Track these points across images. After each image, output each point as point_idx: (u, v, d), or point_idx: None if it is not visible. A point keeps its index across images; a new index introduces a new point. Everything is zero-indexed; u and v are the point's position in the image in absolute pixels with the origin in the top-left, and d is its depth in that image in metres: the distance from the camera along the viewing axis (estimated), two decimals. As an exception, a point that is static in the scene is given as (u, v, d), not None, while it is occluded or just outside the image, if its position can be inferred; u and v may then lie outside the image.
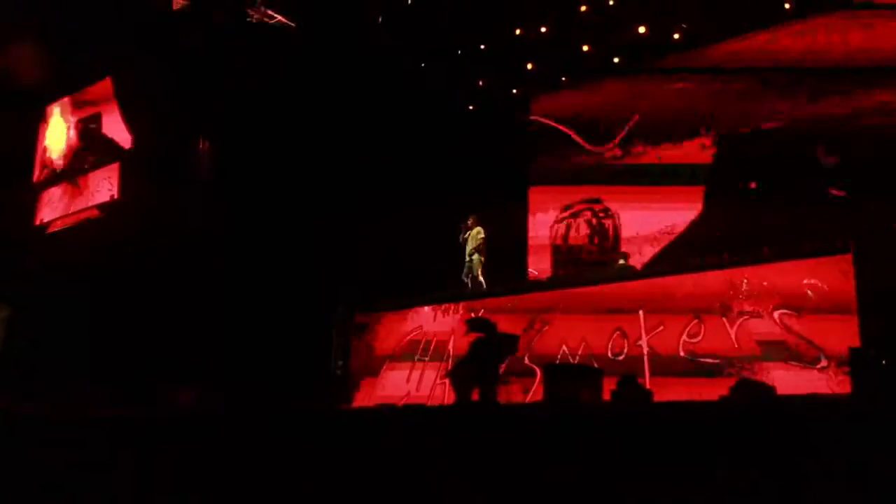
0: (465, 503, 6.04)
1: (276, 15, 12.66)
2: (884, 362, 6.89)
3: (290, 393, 10.37)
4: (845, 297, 8.37)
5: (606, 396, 7.61)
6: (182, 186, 12.87)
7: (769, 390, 7.15)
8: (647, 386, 9.01)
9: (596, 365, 9.52)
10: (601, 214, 12.35)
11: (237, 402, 9.45)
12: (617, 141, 12.47)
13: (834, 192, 10.11)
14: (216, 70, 12.77)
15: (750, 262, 9.35)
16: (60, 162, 14.68)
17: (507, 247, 13.01)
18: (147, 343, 11.77)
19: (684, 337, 9.38)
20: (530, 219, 13.16)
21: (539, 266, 12.68)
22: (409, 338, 11.88)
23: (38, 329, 12.60)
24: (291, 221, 12.47)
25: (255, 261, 12.37)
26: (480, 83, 13.51)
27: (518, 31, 12.62)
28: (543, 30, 12.44)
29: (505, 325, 9.41)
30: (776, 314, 8.86)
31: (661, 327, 9.61)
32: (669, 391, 8.89)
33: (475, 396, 8.33)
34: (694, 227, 11.34)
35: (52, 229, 14.54)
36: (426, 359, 11.51)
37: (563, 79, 13.13)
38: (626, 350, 9.79)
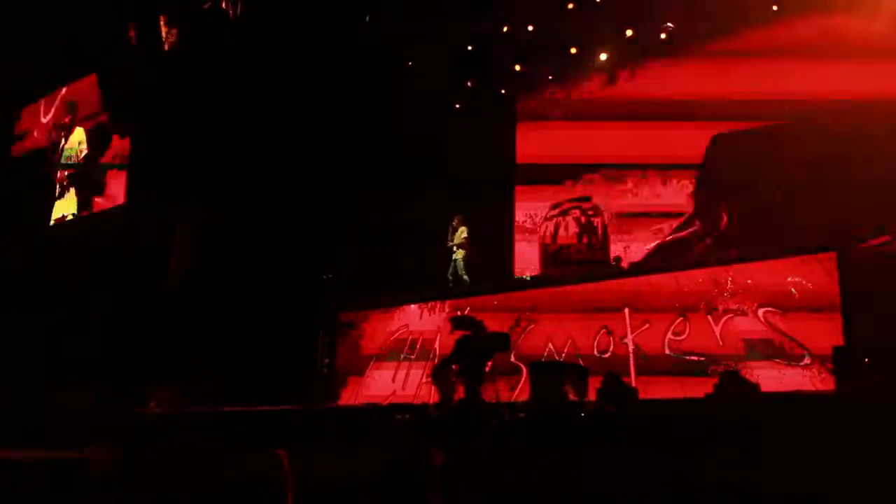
0: (451, 501, 6.03)
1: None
2: (867, 360, 6.95)
3: (276, 393, 10.33)
4: (829, 295, 8.43)
5: (592, 394, 7.63)
6: (166, 187, 12.83)
7: (753, 388, 7.19)
8: (633, 384, 9.06)
9: (582, 363, 9.55)
10: (590, 213, 12.36)
11: (223, 402, 9.41)
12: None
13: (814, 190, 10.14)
14: (198, 66, 12.71)
15: (734, 260, 9.40)
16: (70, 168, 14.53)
17: (494, 245, 13.01)
18: (131, 343, 11.69)
19: (669, 335, 9.42)
20: (517, 217, 13.14)
21: (527, 264, 12.67)
22: (395, 336, 11.87)
23: (25, 328, 12.52)
24: (276, 221, 12.41)
25: (241, 260, 12.31)
26: (469, 84, 13.49)
27: (504, 29, 12.60)
28: (530, 28, 12.42)
29: (491, 323, 9.42)
30: (761, 312, 8.92)
31: (647, 325, 9.64)
32: (655, 389, 8.93)
33: (459, 395, 8.33)
34: (695, 224, 11.36)
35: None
36: (412, 357, 11.50)
37: (550, 77, 13.13)
38: (611, 348, 9.82)
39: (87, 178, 14.02)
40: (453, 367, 8.29)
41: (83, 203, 13.99)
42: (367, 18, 12.54)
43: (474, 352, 8.24)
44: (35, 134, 15.29)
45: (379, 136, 12.99)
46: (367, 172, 12.89)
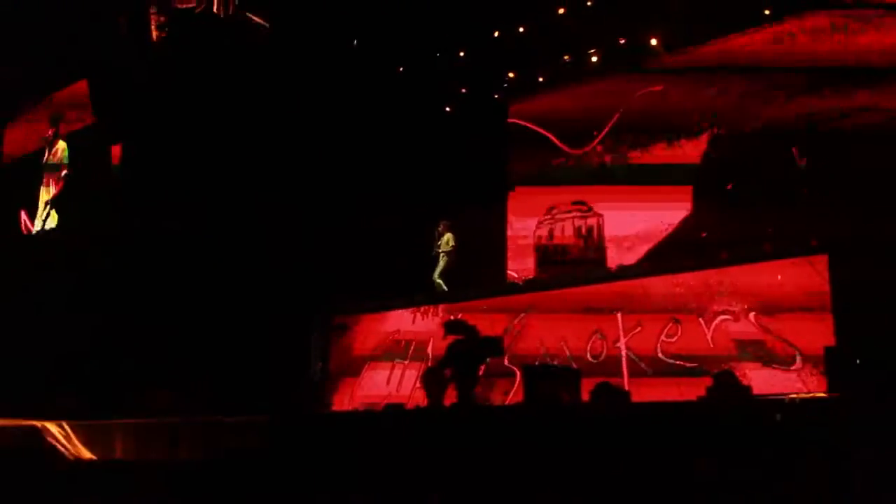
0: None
1: (252, 17, 12.59)
2: (858, 361, 6.97)
3: (268, 397, 10.30)
4: (821, 297, 8.45)
5: (585, 397, 7.65)
6: (158, 190, 12.77)
7: (745, 390, 7.22)
8: (626, 386, 9.07)
9: (575, 366, 9.56)
10: (585, 216, 12.40)
11: (215, 408, 9.38)
12: (598, 139, 12.48)
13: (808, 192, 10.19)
14: (188, 66, 12.68)
15: (725, 262, 9.42)
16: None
17: (487, 249, 13.03)
18: (121, 349, 11.65)
19: (662, 337, 9.44)
20: (512, 220, 13.17)
21: (522, 267, 12.70)
22: (388, 340, 11.87)
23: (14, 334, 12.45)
24: (269, 223, 12.39)
25: (232, 264, 12.28)
26: (463, 90, 13.52)
27: (496, 34, 12.61)
28: (521, 30, 12.43)
29: (484, 327, 9.43)
30: (752, 314, 8.94)
31: (639, 328, 9.66)
32: (648, 391, 8.95)
33: (450, 399, 8.33)
34: (680, 228, 11.38)
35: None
36: (406, 360, 11.50)
37: (541, 79, 13.15)
38: (604, 351, 9.83)
39: (67, 196, 13.97)
40: (446, 371, 8.30)
41: (66, 214, 13.94)
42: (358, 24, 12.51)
43: (467, 356, 8.26)
44: (20, 143, 15.23)
45: (371, 139, 13.00)
46: (359, 175, 12.89)
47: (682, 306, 9.43)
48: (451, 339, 8.69)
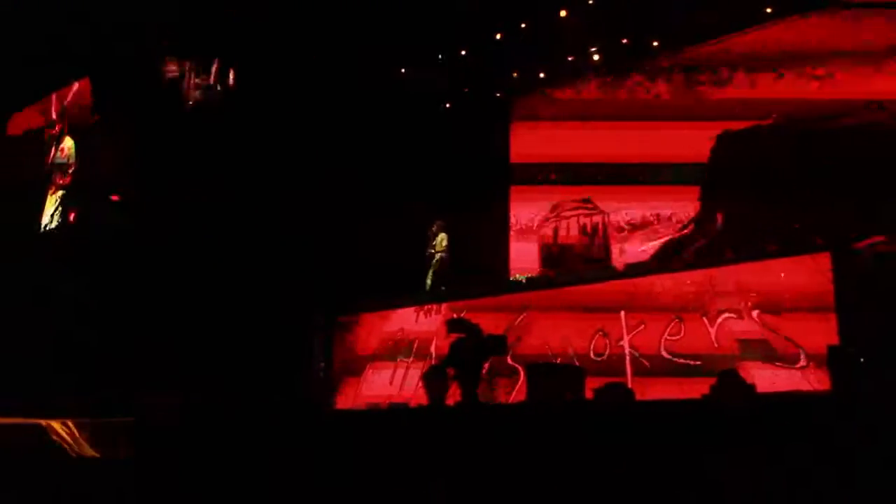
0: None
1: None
2: (862, 360, 6.96)
3: (271, 397, 10.31)
4: (824, 295, 8.43)
5: (589, 396, 7.64)
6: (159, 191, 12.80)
7: (749, 388, 7.20)
8: (630, 385, 9.06)
9: (578, 364, 9.55)
10: (590, 215, 12.39)
11: (218, 408, 9.39)
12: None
13: (811, 190, 10.18)
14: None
15: (729, 261, 9.42)
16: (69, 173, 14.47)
17: (489, 247, 13.03)
18: (123, 349, 11.67)
19: (665, 336, 9.43)
20: (515, 217, 13.18)
21: (526, 264, 12.70)
22: (391, 339, 11.87)
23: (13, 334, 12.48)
24: (270, 223, 12.41)
25: (234, 263, 12.29)
26: (466, 90, 13.53)
27: (498, 36, 12.61)
28: (523, 25, 12.42)
29: (487, 325, 9.42)
30: (755, 313, 8.93)
31: (643, 326, 9.65)
32: (651, 390, 8.95)
33: (452, 398, 8.33)
34: (690, 225, 11.39)
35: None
36: (409, 359, 11.50)
37: (542, 75, 13.14)
38: (608, 350, 9.83)
39: (73, 193, 14.02)
40: (449, 370, 8.30)
41: (70, 211, 13.99)
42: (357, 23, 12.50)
43: (470, 355, 8.25)
44: (26, 140, 15.27)
45: (372, 136, 13.01)
46: (362, 174, 12.89)
47: (686, 305, 9.42)
48: (453, 337, 8.68)
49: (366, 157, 12.91)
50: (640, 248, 11.69)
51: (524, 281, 11.96)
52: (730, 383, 7.17)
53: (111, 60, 13.22)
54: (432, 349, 11.22)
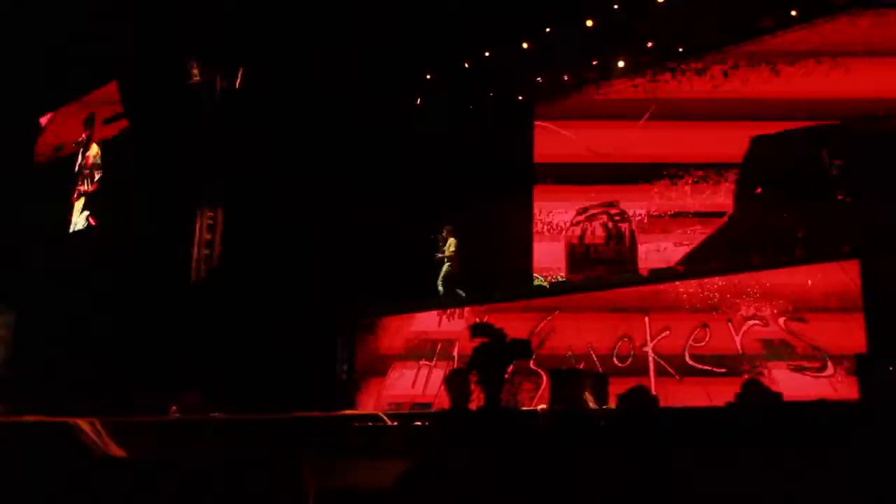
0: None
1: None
2: (891, 368, 6.88)
3: (294, 397, 10.36)
4: (852, 302, 8.35)
5: (612, 401, 7.60)
6: (187, 190, 12.91)
7: (775, 396, 7.13)
8: (653, 391, 9.01)
9: (601, 370, 9.52)
10: (617, 218, 12.34)
11: (242, 407, 9.44)
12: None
13: (840, 195, 10.08)
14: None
15: (756, 267, 9.33)
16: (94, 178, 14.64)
17: (513, 248, 13.03)
18: (150, 349, 11.78)
19: (690, 341, 9.36)
20: (542, 217, 13.15)
21: (554, 266, 12.66)
22: (414, 341, 11.89)
23: (42, 335, 12.63)
24: (296, 225, 12.48)
25: (260, 265, 12.37)
26: (490, 94, 13.54)
27: (524, 44, 12.62)
28: (548, 30, 12.40)
29: (510, 329, 9.39)
30: (782, 320, 8.85)
31: (667, 332, 9.60)
32: (675, 396, 8.89)
33: (475, 402, 8.30)
34: (720, 229, 11.31)
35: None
36: (432, 361, 11.51)
37: (566, 77, 13.11)
38: (631, 355, 9.78)
39: (99, 198, 14.17)
40: (472, 374, 8.28)
41: (97, 216, 14.15)
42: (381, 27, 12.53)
43: (493, 359, 8.23)
44: (54, 146, 15.46)
45: (396, 139, 13.05)
46: (386, 179, 12.93)
47: (711, 310, 9.35)
48: (477, 341, 8.66)
49: (389, 164, 12.96)
50: (667, 251, 11.61)
51: (547, 285, 11.94)
52: (755, 391, 7.11)
53: (138, 66, 13.37)
54: (455, 352, 11.23)
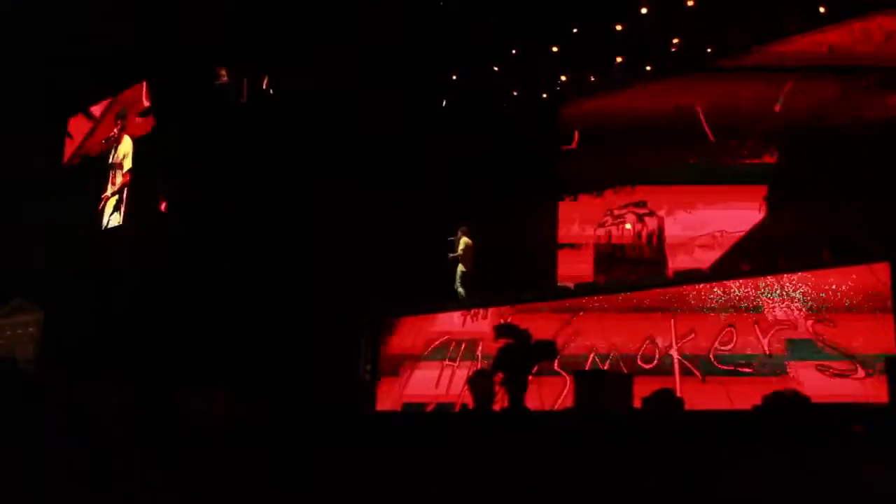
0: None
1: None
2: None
3: (316, 398, 10.40)
4: (882, 304, 8.23)
5: (637, 403, 7.55)
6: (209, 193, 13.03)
7: (803, 399, 7.05)
8: (678, 393, 8.94)
9: (626, 371, 9.45)
10: (645, 219, 12.26)
11: (265, 409, 9.49)
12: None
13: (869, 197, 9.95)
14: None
15: (784, 269, 9.22)
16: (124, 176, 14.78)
17: (538, 250, 12.98)
18: (170, 349, 11.87)
19: (716, 344, 9.28)
20: (569, 219, 13.10)
21: (581, 267, 12.59)
22: (438, 341, 11.88)
23: (69, 332, 12.77)
24: (318, 227, 12.53)
25: (283, 268, 12.44)
26: (515, 93, 13.51)
27: (552, 45, 12.58)
28: (575, 30, 12.35)
29: (534, 331, 9.38)
30: (810, 322, 8.74)
31: (693, 334, 9.51)
32: (701, 399, 8.81)
33: (499, 403, 8.30)
34: (753, 231, 11.19)
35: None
36: (455, 362, 11.48)
37: (592, 78, 13.06)
38: (657, 357, 9.71)
39: (132, 190, 14.30)
40: (498, 374, 8.28)
41: (129, 213, 14.28)
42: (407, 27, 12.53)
43: (519, 359, 8.22)
44: (85, 143, 15.64)
45: (418, 144, 13.07)
46: (408, 180, 12.95)
47: (739, 313, 9.26)
48: (502, 342, 8.66)
49: (412, 165, 12.98)
50: (695, 253, 11.51)
51: (572, 287, 11.88)
52: (783, 395, 7.04)
53: (168, 65, 13.50)
54: (478, 352, 11.20)
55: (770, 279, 9.14)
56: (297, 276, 12.36)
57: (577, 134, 13.39)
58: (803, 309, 8.77)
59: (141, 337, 12.30)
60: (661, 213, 12.18)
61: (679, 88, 12.43)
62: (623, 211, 12.48)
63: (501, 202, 12.71)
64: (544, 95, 13.57)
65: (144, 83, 14.36)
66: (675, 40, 12.01)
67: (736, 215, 11.43)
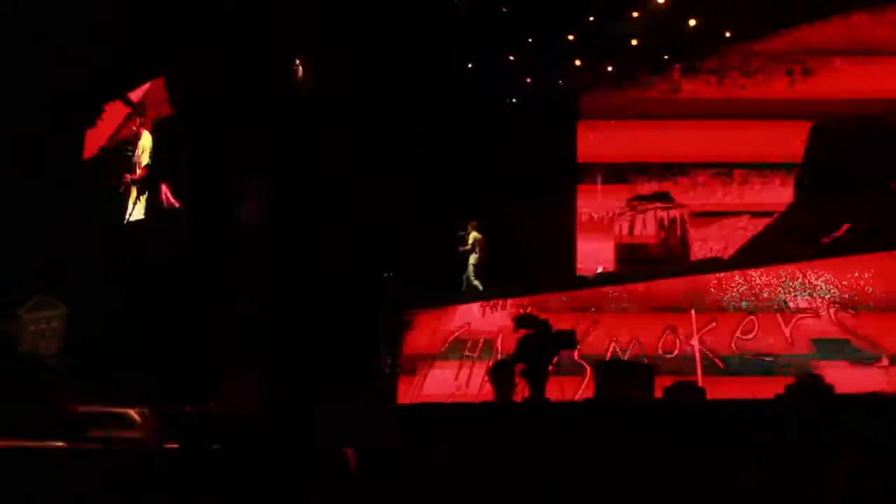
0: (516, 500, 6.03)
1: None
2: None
3: (338, 392, 10.44)
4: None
5: (658, 394, 7.51)
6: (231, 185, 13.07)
7: (827, 389, 6.99)
8: (699, 383, 8.90)
9: (647, 362, 9.42)
10: (668, 210, 12.14)
11: (288, 400, 9.55)
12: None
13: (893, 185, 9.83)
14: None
15: (808, 257, 9.15)
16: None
17: (556, 242, 12.94)
18: (198, 339, 11.95)
19: (738, 334, 9.22)
20: (588, 210, 13.02)
21: (602, 259, 12.52)
22: (456, 335, 11.89)
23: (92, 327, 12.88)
24: (338, 220, 12.55)
25: (304, 261, 12.47)
26: (529, 80, 13.43)
27: (568, 34, 12.51)
28: (591, 18, 12.27)
29: (555, 321, 9.34)
30: (833, 311, 8.67)
31: (714, 324, 9.46)
32: (722, 389, 8.76)
33: (519, 395, 8.27)
34: (777, 220, 11.07)
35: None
36: (475, 357, 11.49)
37: (609, 69, 12.97)
38: (677, 347, 9.67)
39: (152, 183, 14.35)
40: (518, 366, 8.26)
41: (150, 206, 14.34)
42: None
43: (539, 350, 8.19)
44: (105, 137, 15.71)
45: (436, 136, 13.06)
46: (424, 172, 12.95)
47: (760, 303, 9.19)
48: (522, 333, 8.62)
49: (431, 159, 12.98)
50: (718, 246, 11.41)
51: (592, 277, 11.83)
52: (806, 384, 6.98)
53: (187, 58, 13.52)
54: (498, 345, 11.21)
55: (792, 268, 9.07)
56: (319, 271, 12.39)
57: (594, 124, 13.30)
58: (827, 297, 8.70)
59: (163, 331, 12.39)
60: (684, 204, 12.05)
61: (698, 76, 12.32)
62: (645, 204, 12.36)
63: (519, 193, 12.66)
64: (560, 82, 13.49)
65: (162, 78, 14.41)
66: (693, 24, 11.87)
67: (761, 203, 11.30)
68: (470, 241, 12.23)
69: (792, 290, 8.99)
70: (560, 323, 9.85)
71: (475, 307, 11.82)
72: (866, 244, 8.83)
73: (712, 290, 9.63)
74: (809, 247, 9.60)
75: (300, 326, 11.86)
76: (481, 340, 11.53)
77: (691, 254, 11.75)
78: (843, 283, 8.64)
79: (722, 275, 9.68)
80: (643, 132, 12.58)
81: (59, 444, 6.21)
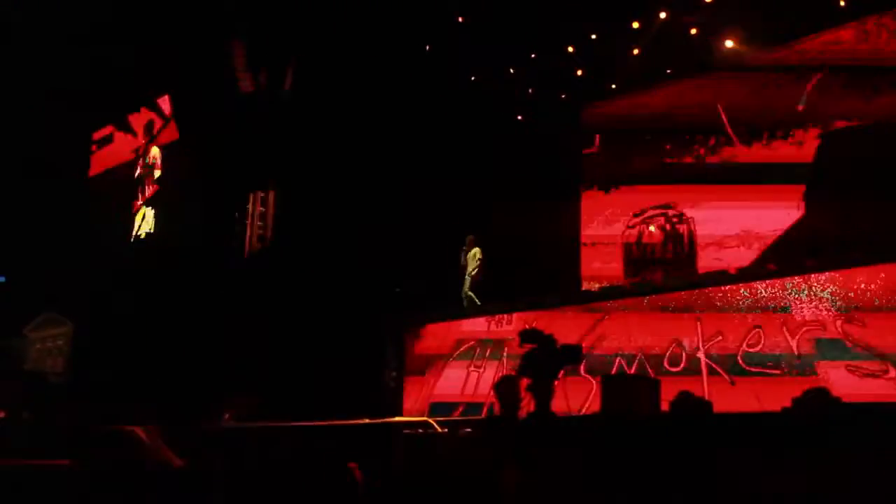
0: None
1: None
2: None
3: (344, 403, 10.43)
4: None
5: (664, 407, 7.49)
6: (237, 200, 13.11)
7: (835, 401, 6.95)
8: (706, 396, 8.86)
9: (653, 374, 9.39)
10: (675, 220, 12.12)
11: (292, 414, 9.53)
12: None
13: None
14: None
15: (814, 269, 9.11)
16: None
17: (561, 252, 12.94)
18: (203, 355, 11.96)
19: (744, 346, 9.18)
20: (596, 220, 13.01)
21: (609, 267, 12.49)
22: (463, 347, 11.87)
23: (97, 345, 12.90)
24: (344, 234, 12.57)
25: (308, 275, 12.49)
26: (530, 91, 13.46)
27: (569, 46, 12.55)
28: (593, 36, 12.32)
29: (560, 335, 9.31)
30: (839, 322, 8.63)
31: (720, 336, 9.43)
32: (729, 401, 8.73)
33: (525, 409, 8.25)
34: (785, 232, 11.03)
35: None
36: (481, 366, 11.46)
37: (613, 86, 12.99)
38: (683, 359, 9.63)
39: (161, 198, 14.42)
40: (523, 380, 8.23)
41: (159, 221, 14.41)
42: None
43: (544, 365, 8.17)
44: (114, 154, 15.80)
45: (442, 148, 13.08)
46: (430, 186, 12.97)
47: (767, 314, 9.16)
48: (527, 347, 8.61)
49: (435, 171, 13.00)
50: (726, 255, 11.36)
51: (597, 290, 11.82)
52: (813, 396, 6.94)
53: (191, 76, 13.61)
54: (503, 357, 11.18)
55: (797, 279, 9.04)
56: (324, 283, 12.41)
57: (598, 136, 13.31)
58: (832, 309, 8.66)
59: (168, 348, 12.40)
60: (691, 214, 12.01)
61: (701, 87, 12.32)
62: (653, 213, 12.34)
63: (523, 203, 12.66)
64: (563, 96, 13.52)
65: (167, 96, 14.50)
66: (693, 33, 11.89)
67: (767, 215, 11.26)
68: (470, 255, 12.21)
69: (798, 302, 8.95)
70: (566, 336, 9.83)
71: (480, 322, 11.80)
72: (872, 255, 8.79)
73: (717, 302, 9.60)
74: (816, 257, 9.56)
75: (305, 341, 11.87)
76: (488, 350, 11.50)
77: (698, 262, 11.70)
78: (849, 294, 8.60)
79: (727, 287, 9.65)
80: (648, 141, 12.60)
81: (64, 462, 6.20)
